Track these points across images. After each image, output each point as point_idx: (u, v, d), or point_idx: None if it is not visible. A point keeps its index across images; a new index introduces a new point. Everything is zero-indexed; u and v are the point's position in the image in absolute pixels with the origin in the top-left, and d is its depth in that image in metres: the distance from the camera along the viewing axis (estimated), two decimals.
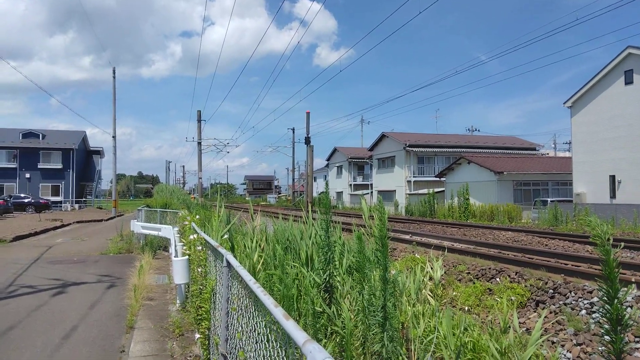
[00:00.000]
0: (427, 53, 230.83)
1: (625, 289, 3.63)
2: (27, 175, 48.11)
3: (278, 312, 1.80)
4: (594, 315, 6.59)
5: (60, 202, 47.74)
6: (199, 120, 37.67)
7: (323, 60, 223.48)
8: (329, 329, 4.27)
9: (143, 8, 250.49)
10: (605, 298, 2.96)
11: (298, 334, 1.50)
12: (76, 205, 48.34)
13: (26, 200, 40.70)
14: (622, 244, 11.58)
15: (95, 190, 58.45)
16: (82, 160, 54.48)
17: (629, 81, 23.40)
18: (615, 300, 2.91)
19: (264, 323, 2.29)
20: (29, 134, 50.43)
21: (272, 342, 2.10)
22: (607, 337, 3.01)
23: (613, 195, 24.21)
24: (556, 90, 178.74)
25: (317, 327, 4.22)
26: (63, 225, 25.75)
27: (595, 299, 6.99)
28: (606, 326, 3.06)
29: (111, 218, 33.94)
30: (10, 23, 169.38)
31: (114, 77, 35.93)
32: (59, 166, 49.24)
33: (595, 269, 8.61)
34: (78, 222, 29.04)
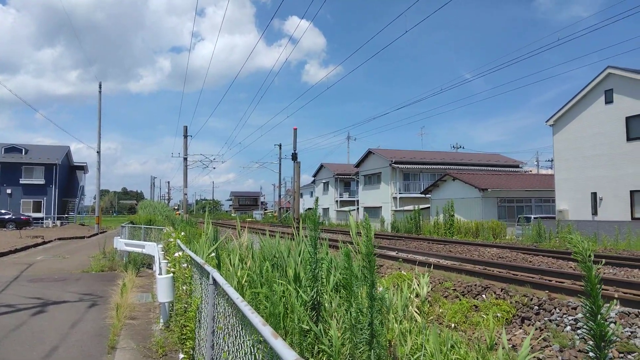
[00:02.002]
0: (413, 70, 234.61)
1: (608, 304, 3.68)
2: (9, 191, 47.20)
3: (266, 331, 1.79)
4: (578, 332, 6.64)
5: (42, 218, 46.83)
6: (185, 136, 37.55)
7: (312, 77, 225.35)
8: (316, 347, 4.23)
9: (133, 23, 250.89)
10: (588, 315, 2.99)
11: (287, 353, 1.49)
12: (58, 222, 47.49)
13: (6, 217, 39.84)
14: (604, 260, 11.74)
15: (78, 207, 57.55)
16: (65, 175, 53.70)
17: (609, 100, 24.00)
18: (598, 317, 2.94)
19: (250, 342, 2.27)
20: (11, 149, 49.62)
21: None
22: (591, 354, 3.03)
23: (595, 212, 24.61)
24: (539, 109, 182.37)
25: (304, 346, 4.18)
26: (44, 242, 25.24)
27: (579, 315, 7.05)
28: (590, 342, 3.09)
29: (94, 235, 33.38)
30: None
31: (100, 92, 35.72)
32: (42, 182, 48.43)
33: (579, 285, 8.70)
34: (60, 239, 28.49)
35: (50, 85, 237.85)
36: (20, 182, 47.90)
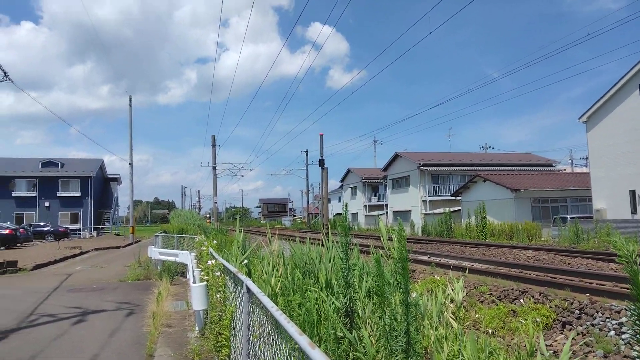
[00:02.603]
0: (439, 71, 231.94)
1: None
2: (47, 204, 49.00)
3: (303, 341, 1.78)
4: (623, 336, 6.38)
5: (79, 229, 48.35)
6: (214, 145, 38.16)
7: (336, 82, 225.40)
8: (351, 354, 4.20)
9: (159, 37, 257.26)
10: (635, 319, 2.87)
11: None
12: (94, 233, 48.93)
13: (45, 229, 41.29)
14: None
15: (113, 217, 59.16)
16: (99, 187, 55.35)
17: None
18: None
19: (287, 351, 2.27)
20: (48, 163, 51.55)
21: None
22: None
23: (634, 210, 23.70)
24: (569, 106, 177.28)
25: (339, 353, 4.15)
26: (82, 253, 26.02)
27: (624, 319, 6.77)
28: (637, 348, 2.96)
29: (129, 244, 34.21)
30: (31, 55, 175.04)
31: (130, 105, 36.70)
32: (77, 194, 50.09)
33: (622, 288, 8.37)
34: (96, 249, 29.32)
35: (83, 101, 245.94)
36: (57, 195, 49.67)
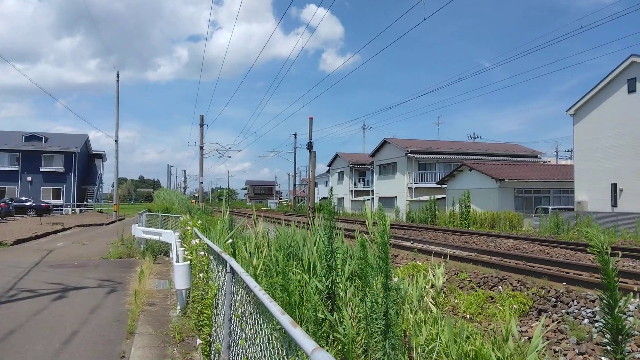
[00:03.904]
0: (431, 59, 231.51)
1: (625, 298, 3.63)
2: (29, 179, 48.20)
3: (285, 320, 1.81)
4: (596, 325, 6.57)
5: (62, 205, 47.74)
6: (202, 125, 37.77)
7: (329, 65, 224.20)
8: (331, 336, 4.27)
9: (151, 13, 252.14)
10: (606, 308, 2.96)
11: (306, 342, 1.51)
12: (77, 209, 48.36)
13: (27, 204, 40.74)
14: (620, 253, 11.56)
15: (97, 194, 58.50)
16: (84, 163, 54.57)
17: (632, 89, 23.44)
18: (615, 310, 2.91)
19: (268, 330, 2.30)
20: (31, 137, 50.55)
21: (278, 350, 2.10)
22: (609, 347, 3.01)
23: (614, 203, 24.18)
24: (559, 98, 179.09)
25: (319, 334, 4.22)
26: (64, 229, 25.78)
27: (597, 308, 6.97)
28: (608, 336, 3.06)
29: (112, 222, 33.96)
30: (19, 25, 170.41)
31: (118, 81, 36.08)
32: (61, 170, 49.32)
33: (597, 278, 8.59)
34: (79, 225, 29.06)
35: (70, 75, 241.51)
36: (41, 170, 48.85)
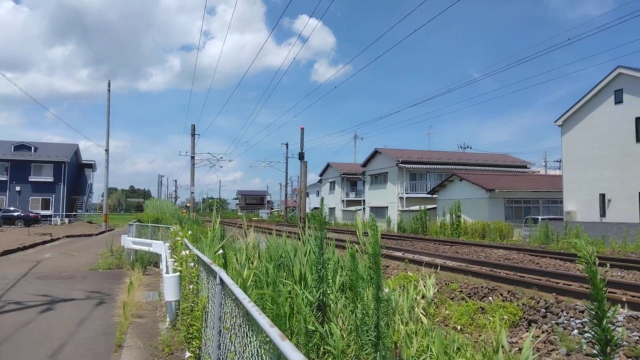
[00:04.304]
0: (422, 70, 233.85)
1: (613, 308, 3.65)
2: (18, 188, 47.64)
3: (274, 333, 1.80)
4: (586, 335, 6.60)
5: (50, 215, 47.19)
6: (193, 135, 37.68)
7: (321, 76, 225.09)
8: (322, 348, 4.24)
9: (144, 22, 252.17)
10: (594, 319, 2.98)
11: (295, 356, 1.50)
12: (66, 219, 47.84)
13: (15, 214, 40.21)
14: (608, 264, 11.66)
15: (86, 204, 57.95)
16: (73, 173, 54.09)
17: (618, 100, 23.82)
18: (604, 321, 2.93)
19: (257, 343, 2.29)
20: (20, 147, 50.06)
21: None
22: (598, 359, 3.02)
23: (603, 213, 24.43)
24: (548, 108, 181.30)
25: (310, 347, 4.19)
26: (52, 240, 25.46)
27: (587, 319, 7.01)
28: (597, 347, 3.07)
29: (101, 232, 33.62)
30: (9, 34, 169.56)
31: (109, 91, 35.97)
32: (50, 179, 48.82)
33: (586, 288, 8.65)
34: (68, 236, 28.73)
35: (61, 84, 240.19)
36: (29, 179, 48.32)
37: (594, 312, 2.76)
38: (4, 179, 47.65)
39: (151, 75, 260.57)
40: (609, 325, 2.86)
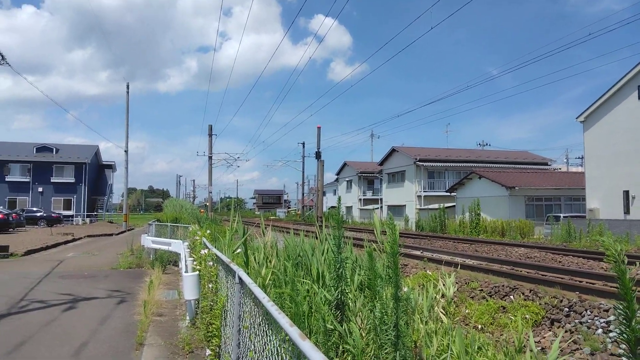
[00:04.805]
0: (439, 68, 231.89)
1: None
2: (40, 189, 48.72)
3: (294, 332, 1.79)
4: (610, 335, 6.44)
5: (72, 215, 48.13)
6: (210, 135, 38.01)
7: (337, 75, 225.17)
8: (341, 347, 4.22)
9: (161, 25, 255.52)
10: (622, 319, 2.90)
11: (315, 355, 1.49)
12: (87, 219, 48.75)
13: (38, 214, 41.09)
14: (638, 263, 11.37)
15: (107, 204, 58.94)
16: (94, 174, 55.08)
17: None
18: (633, 322, 2.84)
19: (277, 342, 2.27)
20: (42, 148, 51.19)
21: None
22: (624, 359, 2.94)
23: (627, 210, 23.87)
24: (568, 105, 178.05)
25: (329, 345, 4.17)
26: (74, 240, 25.94)
27: (612, 318, 6.84)
28: (623, 347, 2.99)
29: (122, 232, 34.14)
30: (31, 38, 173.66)
31: (128, 93, 36.50)
32: (72, 180, 49.82)
33: (611, 287, 8.45)
34: (89, 236, 29.25)
35: (81, 86, 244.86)
36: (51, 180, 49.39)
37: (622, 312, 2.68)
38: (27, 180, 48.79)
39: (169, 77, 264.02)
40: (638, 325, 2.78)
